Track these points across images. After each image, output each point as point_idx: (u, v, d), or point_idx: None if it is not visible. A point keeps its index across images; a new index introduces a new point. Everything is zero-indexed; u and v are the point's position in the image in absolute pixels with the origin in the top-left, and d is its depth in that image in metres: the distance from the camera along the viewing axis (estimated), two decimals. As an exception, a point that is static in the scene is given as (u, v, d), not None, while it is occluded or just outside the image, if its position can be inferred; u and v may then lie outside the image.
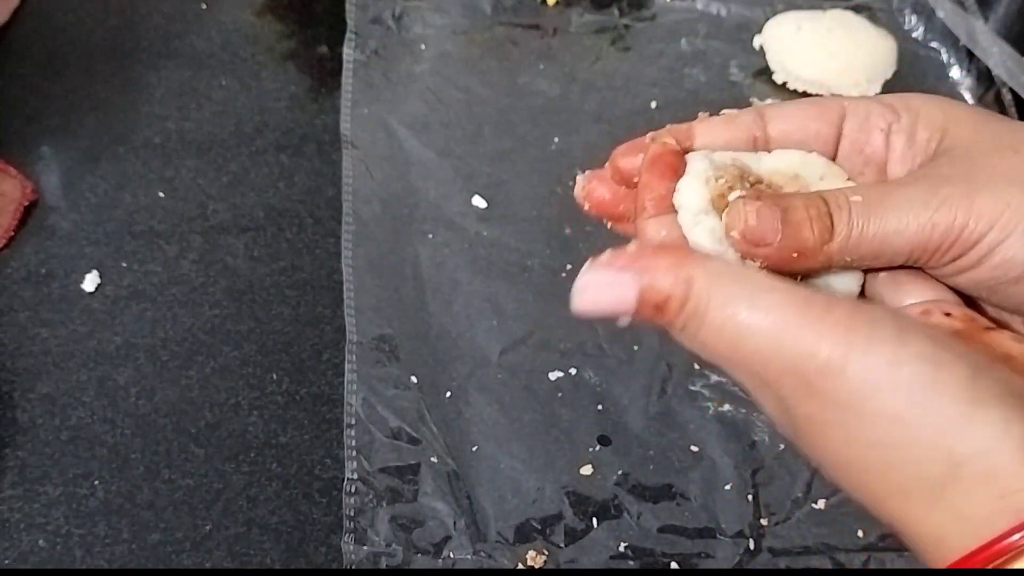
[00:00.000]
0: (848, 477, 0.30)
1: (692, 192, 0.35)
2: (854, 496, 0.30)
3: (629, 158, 0.36)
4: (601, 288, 0.31)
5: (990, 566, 0.26)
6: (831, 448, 0.29)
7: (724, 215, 0.34)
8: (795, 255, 0.32)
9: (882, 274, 0.35)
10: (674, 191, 0.35)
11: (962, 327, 0.32)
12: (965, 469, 0.27)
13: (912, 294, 0.34)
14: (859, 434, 0.28)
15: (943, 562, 0.28)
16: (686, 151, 0.37)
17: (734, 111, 0.37)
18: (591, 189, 0.38)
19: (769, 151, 0.37)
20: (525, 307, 0.60)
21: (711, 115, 0.37)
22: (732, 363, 0.31)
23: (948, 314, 0.33)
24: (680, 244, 0.33)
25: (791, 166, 0.37)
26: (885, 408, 0.28)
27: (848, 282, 0.36)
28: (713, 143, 0.36)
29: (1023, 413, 0.27)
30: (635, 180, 0.37)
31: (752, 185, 0.37)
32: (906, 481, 0.28)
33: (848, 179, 0.37)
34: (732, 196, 0.36)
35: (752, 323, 0.29)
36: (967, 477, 0.27)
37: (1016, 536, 0.26)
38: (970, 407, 0.27)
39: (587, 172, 0.38)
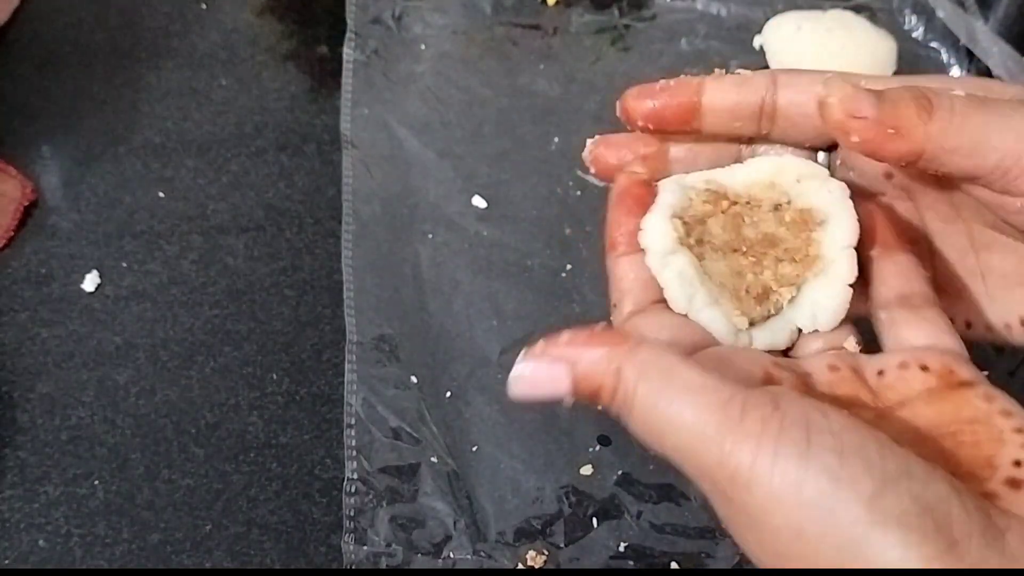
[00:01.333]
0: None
1: (658, 233, 0.34)
2: None
3: (640, 101, 0.37)
4: (536, 379, 0.32)
5: None
6: (748, 549, 0.30)
7: (824, 89, 0.32)
8: (891, 131, 0.31)
9: (882, 314, 0.35)
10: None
11: (935, 383, 0.32)
12: None
13: (908, 338, 0.34)
14: (768, 544, 0.28)
15: None
16: (656, 178, 0.36)
17: (748, 72, 0.36)
18: (598, 154, 0.38)
19: (774, 121, 0.36)
20: (525, 307, 0.60)
21: (726, 72, 0.37)
22: (662, 453, 0.31)
23: (925, 367, 0.33)
24: (613, 331, 0.33)
25: (766, 174, 0.37)
26: (789, 523, 0.27)
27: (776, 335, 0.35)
28: (721, 102, 0.36)
29: (924, 533, 0.26)
30: (640, 124, 0.37)
31: (727, 209, 0.36)
32: (831, 564, 0.28)
33: (830, 176, 0.37)
34: (711, 221, 0.35)
35: (672, 420, 0.29)
36: None
37: None
38: (869, 528, 0.26)
39: (596, 136, 0.39)
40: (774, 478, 0.27)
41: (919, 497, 0.27)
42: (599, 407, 0.32)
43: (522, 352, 0.33)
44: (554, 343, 0.32)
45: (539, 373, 0.32)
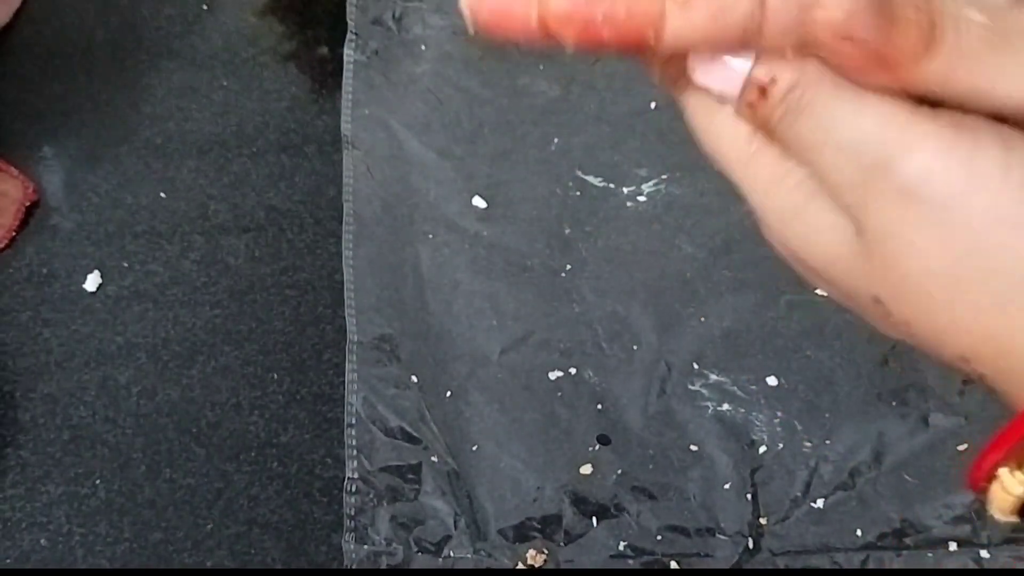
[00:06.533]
0: (932, 294, 0.26)
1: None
2: (926, 324, 0.27)
3: None
4: (715, 67, 0.27)
5: None
6: (918, 262, 0.26)
7: None
8: (879, 60, 0.26)
9: None
10: None
11: None
12: None
13: None
14: (959, 240, 0.26)
15: None
16: None
17: None
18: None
19: None
20: (525, 307, 0.60)
21: None
22: (819, 159, 0.27)
23: None
24: None
25: None
26: (992, 209, 0.25)
27: None
28: None
29: None
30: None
31: None
32: (1008, 288, 0.25)
33: None
34: None
35: (856, 113, 0.26)
36: None
37: None
38: None
39: None
40: (977, 163, 0.25)
41: None
42: (755, 115, 0.27)
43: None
44: None
45: (717, 61, 0.27)
